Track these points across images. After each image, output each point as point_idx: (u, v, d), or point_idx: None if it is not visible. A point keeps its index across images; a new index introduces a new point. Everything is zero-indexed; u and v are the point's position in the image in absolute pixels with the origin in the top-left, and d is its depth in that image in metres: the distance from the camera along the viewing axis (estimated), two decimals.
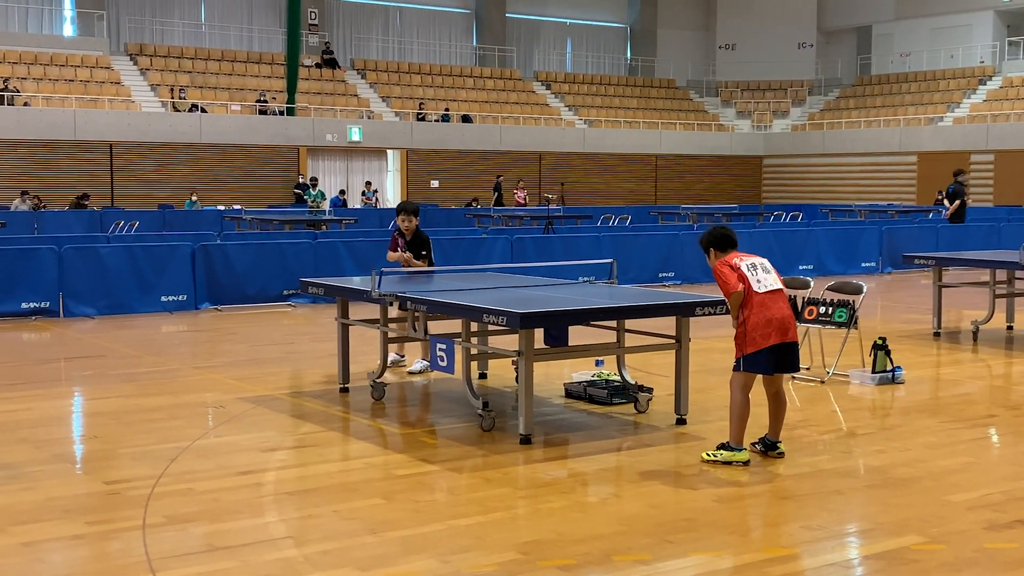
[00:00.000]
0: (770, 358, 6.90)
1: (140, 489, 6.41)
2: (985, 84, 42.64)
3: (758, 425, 7.31)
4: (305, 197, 32.58)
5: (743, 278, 6.91)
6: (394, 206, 35.94)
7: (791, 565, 5.20)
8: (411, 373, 10.16)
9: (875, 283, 18.86)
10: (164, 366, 10.82)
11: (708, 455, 7.02)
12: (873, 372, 9.69)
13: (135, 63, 37.35)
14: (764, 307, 6.87)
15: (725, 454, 6.94)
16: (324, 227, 22.38)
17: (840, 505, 6.23)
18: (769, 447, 7.14)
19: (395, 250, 10.41)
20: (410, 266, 10.25)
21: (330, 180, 36.27)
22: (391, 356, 10.25)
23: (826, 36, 48.64)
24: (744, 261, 7.00)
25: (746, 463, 6.90)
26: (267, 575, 5.02)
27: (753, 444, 7.18)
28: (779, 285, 7.03)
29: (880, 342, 9.77)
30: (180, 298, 14.99)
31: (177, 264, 15.04)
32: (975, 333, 12.40)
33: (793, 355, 7.02)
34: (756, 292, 6.88)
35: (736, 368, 7.01)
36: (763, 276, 6.97)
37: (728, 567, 5.21)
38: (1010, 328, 13.06)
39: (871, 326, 12.80)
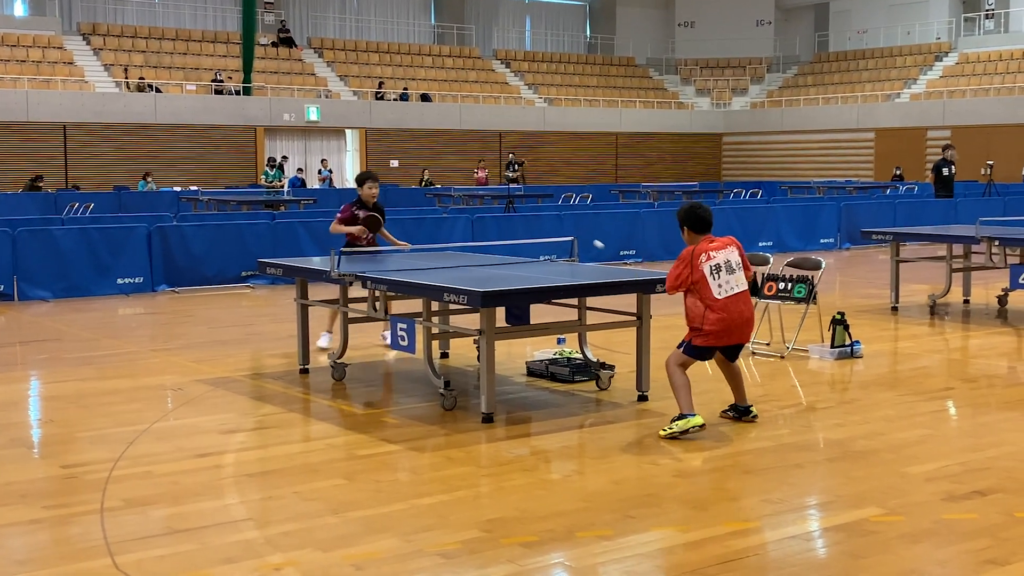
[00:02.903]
0: (714, 352, 7.20)
1: (98, 473, 6.34)
2: (941, 60, 43.02)
3: (719, 400, 7.32)
4: (262, 177, 32.33)
5: (699, 282, 6.99)
6: (351, 185, 35.84)
7: (752, 538, 5.23)
8: (321, 349, 10.11)
9: (834, 259, 19.01)
10: (121, 349, 10.70)
11: (665, 431, 7.04)
12: (832, 347, 9.76)
13: (88, 43, 36.84)
14: (724, 310, 6.99)
15: (680, 423, 6.97)
16: (283, 207, 22.21)
17: (800, 478, 6.27)
18: (743, 412, 7.30)
19: (353, 224, 10.27)
20: (371, 244, 10.26)
21: (288, 160, 36.00)
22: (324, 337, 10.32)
23: (784, 13, 48.85)
24: (710, 261, 7.01)
25: (702, 427, 6.97)
26: (228, 557, 4.98)
27: (724, 412, 7.38)
28: (743, 286, 7.10)
29: (839, 317, 9.84)
30: (137, 280, 14.83)
31: (133, 246, 14.88)
32: (932, 307, 12.52)
33: (738, 349, 7.30)
34: (716, 299, 6.99)
35: (680, 348, 7.15)
36: (726, 280, 7.01)
37: (689, 541, 5.23)
38: (966, 302, 13.20)
39: (830, 301, 12.89)
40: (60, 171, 31.88)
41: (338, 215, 10.40)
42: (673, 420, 7.05)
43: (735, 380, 7.33)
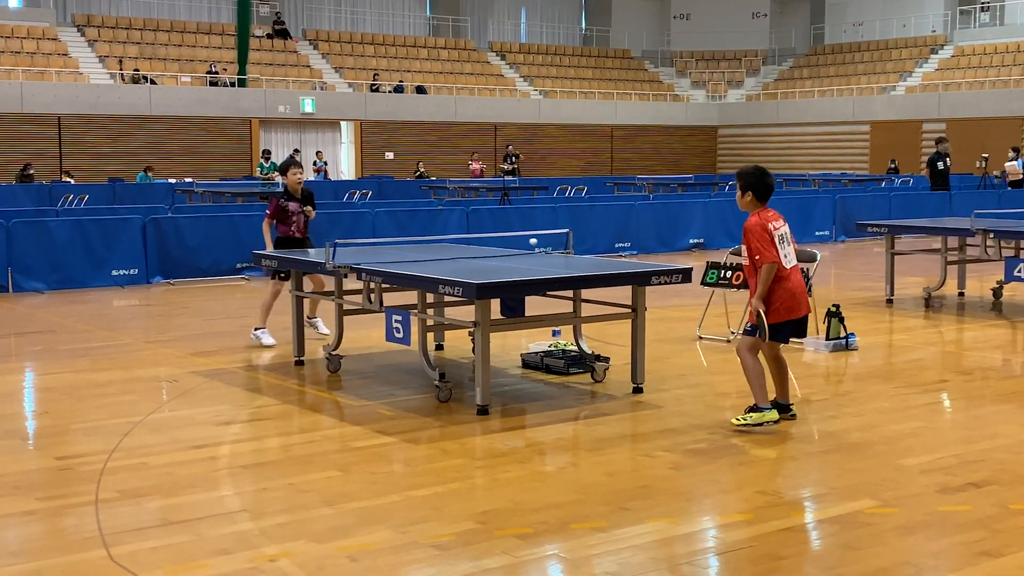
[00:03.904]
0: (789, 328, 6.95)
1: (92, 464, 6.33)
2: (937, 53, 43.01)
3: (712, 393, 7.30)
4: (257, 169, 32.25)
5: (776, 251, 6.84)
6: (346, 177, 35.84)
7: (746, 530, 5.23)
8: (268, 346, 10.07)
9: (829, 251, 19.01)
10: (116, 341, 10.69)
11: (738, 420, 6.96)
12: (827, 339, 9.76)
13: (83, 34, 36.75)
14: (788, 280, 6.88)
15: (755, 416, 6.90)
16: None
17: (794, 470, 6.28)
18: (782, 409, 7.07)
19: (283, 216, 10.15)
20: (304, 234, 10.27)
21: (283, 152, 35.90)
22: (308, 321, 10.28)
23: (780, 5, 48.80)
24: (777, 231, 6.90)
25: (776, 422, 6.90)
26: (222, 548, 4.98)
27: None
28: (796, 259, 7.06)
29: (834, 309, 9.85)
30: (131, 272, 14.81)
31: (128, 238, 14.85)
32: (927, 300, 12.53)
33: (806, 323, 7.10)
34: (784, 267, 6.86)
35: (750, 333, 6.96)
36: (788, 251, 6.95)
37: (683, 533, 5.23)
38: (961, 294, 13.21)
39: (825, 294, 12.91)
40: (54, 163, 31.80)
41: (267, 212, 10.27)
42: (748, 410, 6.97)
43: (781, 373, 7.13)
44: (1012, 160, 27.02)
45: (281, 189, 10.52)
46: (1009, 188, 23.94)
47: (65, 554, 4.97)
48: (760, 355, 7.01)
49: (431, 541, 5.05)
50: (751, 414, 6.93)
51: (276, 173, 30.67)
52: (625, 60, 47.78)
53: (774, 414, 6.91)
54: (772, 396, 7.10)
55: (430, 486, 5.92)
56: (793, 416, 7.15)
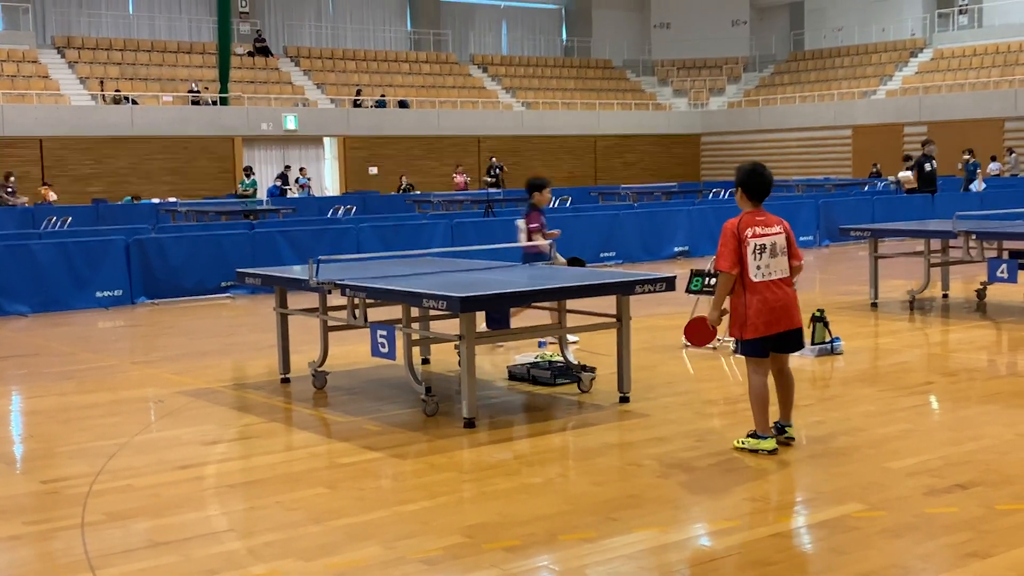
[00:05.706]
0: (768, 344, 6.54)
1: (79, 487, 6.30)
2: (916, 56, 43.26)
3: (700, 400, 7.29)
4: (239, 186, 32.22)
5: (742, 262, 6.45)
6: (331, 193, 35.81)
7: (735, 537, 5.23)
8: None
9: (813, 256, 19.08)
10: (101, 362, 10.65)
11: (738, 442, 6.70)
12: (812, 344, 9.77)
13: (63, 56, 36.69)
14: (760, 293, 6.46)
15: (751, 442, 6.63)
16: (256, 216, 22.13)
17: (782, 476, 6.28)
18: (778, 431, 6.70)
19: (539, 228, 10.24)
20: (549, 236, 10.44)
21: (267, 169, 35.92)
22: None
23: (759, 12, 49.05)
24: (756, 239, 6.48)
25: (772, 452, 6.56)
26: (210, 569, 4.96)
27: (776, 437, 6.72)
28: (783, 273, 6.56)
29: (819, 314, 9.87)
30: (116, 293, 14.75)
31: (111, 259, 14.80)
32: (911, 303, 12.58)
33: (797, 338, 6.65)
34: (751, 280, 6.46)
35: (735, 351, 6.76)
36: (767, 263, 6.49)
37: (672, 541, 5.23)
38: (945, 296, 13.27)
39: (810, 298, 12.94)
40: (37, 185, 31.68)
41: (532, 227, 10.26)
42: (749, 435, 6.69)
43: (785, 390, 6.72)
44: (907, 169, 27.10)
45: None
46: (905, 194, 24.06)
47: None
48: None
49: (420, 556, 5.04)
50: (749, 439, 6.67)
51: (252, 189, 30.63)
52: (607, 70, 47.93)
53: (771, 443, 6.56)
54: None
55: (418, 501, 5.91)
56: (790, 440, 6.71)
